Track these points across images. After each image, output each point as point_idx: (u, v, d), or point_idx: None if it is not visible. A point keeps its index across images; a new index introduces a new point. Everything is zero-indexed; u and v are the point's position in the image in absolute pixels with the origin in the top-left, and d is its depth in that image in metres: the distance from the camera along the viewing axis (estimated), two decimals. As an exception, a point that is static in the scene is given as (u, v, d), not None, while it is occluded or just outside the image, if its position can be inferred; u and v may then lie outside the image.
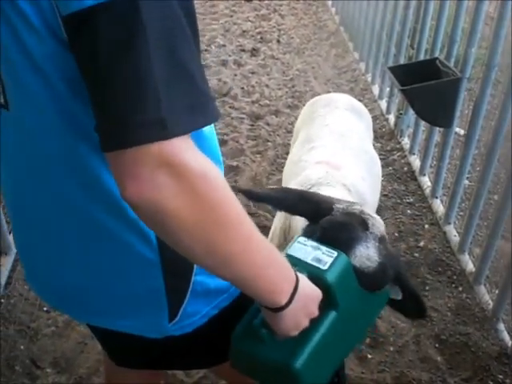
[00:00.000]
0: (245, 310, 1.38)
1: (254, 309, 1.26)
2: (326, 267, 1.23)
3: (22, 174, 1.17)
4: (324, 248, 1.28)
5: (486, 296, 2.86)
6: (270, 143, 4.11)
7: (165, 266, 1.19)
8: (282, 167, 2.99)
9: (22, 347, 2.64)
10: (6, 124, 1.14)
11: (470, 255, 3.09)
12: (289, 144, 3.38)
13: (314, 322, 1.20)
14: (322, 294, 1.19)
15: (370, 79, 4.86)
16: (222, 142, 4.08)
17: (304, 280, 1.15)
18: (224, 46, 5.53)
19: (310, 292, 1.17)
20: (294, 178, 2.11)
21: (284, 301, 1.09)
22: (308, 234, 1.43)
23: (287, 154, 3.25)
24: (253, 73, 5.11)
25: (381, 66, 4.61)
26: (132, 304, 1.24)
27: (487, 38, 2.83)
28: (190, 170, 0.89)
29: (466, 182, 3.30)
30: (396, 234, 3.29)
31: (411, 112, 3.64)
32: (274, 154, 3.98)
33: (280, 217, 2.01)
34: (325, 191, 1.84)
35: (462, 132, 3.49)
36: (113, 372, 1.71)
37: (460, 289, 2.96)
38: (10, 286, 2.89)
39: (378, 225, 1.51)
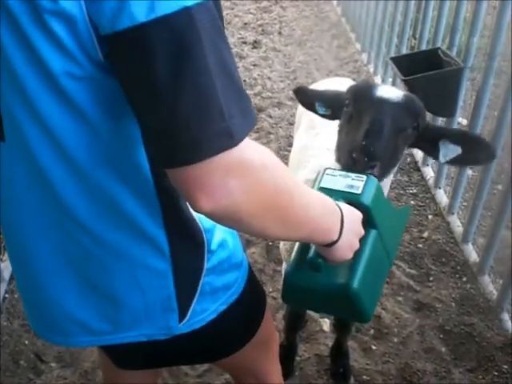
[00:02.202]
0: (251, 305, 1.42)
1: (299, 249, 1.36)
2: (359, 191, 1.32)
3: (25, 202, 1.12)
4: (352, 174, 1.36)
5: (490, 286, 2.86)
6: (272, 135, 4.10)
7: (176, 274, 1.19)
8: (285, 159, 2.99)
9: (26, 342, 2.65)
10: (3, 156, 1.08)
11: (474, 245, 3.09)
12: (291, 136, 3.37)
13: (360, 244, 1.27)
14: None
15: (372, 70, 4.85)
16: (225, 135, 4.07)
17: (344, 206, 1.22)
18: (225, 38, 5.51)
19: (353, 215, 1.24)
20: (303, 164, 2.11)
21: (336, 236, 1.17)
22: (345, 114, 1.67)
23: (290, 146, 3.24)
24: (255, 65, 5.10)
25: (383, 57, 4.60)
26: (143, 316, 1.23)
27: (489, 28, 2.82)
28: (255, 167, 0.93)
29: (470, 172, 3.30)
30: (399, 225, 3.28)
31: (414, 102, 3.63)
32: (276, 146, 3.98)
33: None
34: None
35: (464, 122, 3.48)
36: (113, 373, 1.67)
37: (464, 279, 2.96)
38: (15, 280, 2.89)
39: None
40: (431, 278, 2.96)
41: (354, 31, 5.46)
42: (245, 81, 4.79)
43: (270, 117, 4.32)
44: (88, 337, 1.27)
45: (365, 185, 1.33)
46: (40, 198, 1.09)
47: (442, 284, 2.93)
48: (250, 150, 0.92)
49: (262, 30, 5.75)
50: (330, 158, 2.01)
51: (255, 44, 5.48)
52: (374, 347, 2.61)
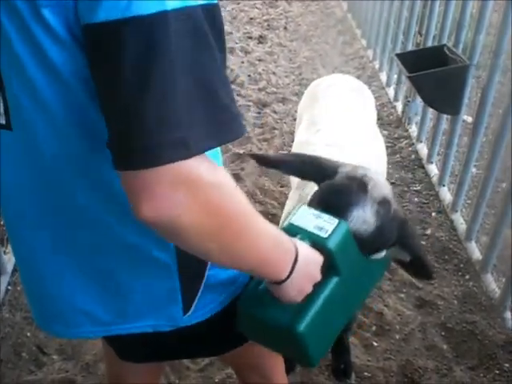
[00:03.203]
0: None
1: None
2: (326, 235, 1.26)
3: (28, 192, 1.13)
4: (326, 216, 1.31)
5: (492, 284, 2.85)
6: (276, 131, 4.10)
7: (180, 268, 1.19)
8: (289, 155, 2.98)
9: (28, 334, 2.65)
10: (8, 145, 1.08)
11: (477, 243, 3.08)
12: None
13: (317, 287, 1.24)
14: (324, 260, 1.23)
15: (377, 66, 4.84)
16: (229, 130, 4.07)
17: (304, 248, 1.18)
18: (231, 33, 5.51)
19: (311, 259, 1.20)
20: None
21: (285, 275, 1.14)
22: (314, 197, 1.48)
23: (294, 141, 3.24)
24: (260, 60, 5.09)
25: (388, 53, 4.59)
26: (147, 306, 1.24)
27: (495, 25, 2.81)
28: (205, 184, 0.90)
29: (474, 169, 3.29)
30: (403, 222, 3.28)
31: (419, 99, 3.62)
32: (280, 141, 3.97)
33: (293, 200, 2.02)
34: None
35: (469, 119, 3.48)
36: (117, 367, 1.68)
37: (467, 277, 2.95)
38: (17, 273, 2.90)
39: (380, 187, 1.49)
40: (434, 276, 2.95)
41: (359, 27, 5.45)
42: (249, 76, 4.79)
43: (275, 112, 4.31)
44: (93, 327, 1.27)
45: (334, 229, 1.27)
46: (43, 188, 1.10)
47: (445, 281, 2.92)
48: (205, 167, 0.90)
49: (268, 25, 5.74)
50: (330, 155, 2.01)
51: (260, 39, 5.47)
52: (375, 344, 2.61)
